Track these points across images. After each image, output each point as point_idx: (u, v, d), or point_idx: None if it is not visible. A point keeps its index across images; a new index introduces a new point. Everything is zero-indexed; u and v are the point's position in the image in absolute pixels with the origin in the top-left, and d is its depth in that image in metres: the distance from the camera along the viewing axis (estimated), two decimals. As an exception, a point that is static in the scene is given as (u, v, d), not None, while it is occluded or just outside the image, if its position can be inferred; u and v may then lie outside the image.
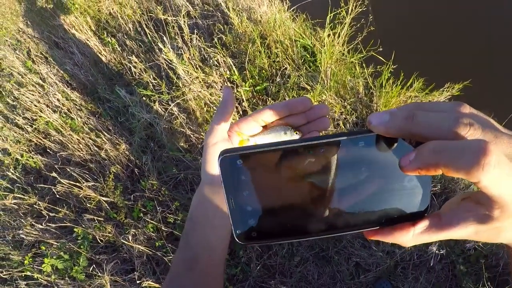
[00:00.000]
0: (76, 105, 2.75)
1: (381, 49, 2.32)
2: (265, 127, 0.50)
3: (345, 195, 0.34)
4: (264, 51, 2.22)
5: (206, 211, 0.53)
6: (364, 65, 2.34)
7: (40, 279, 2.03)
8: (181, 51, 2.24)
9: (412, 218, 0.33)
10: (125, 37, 2.80)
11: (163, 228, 2.10)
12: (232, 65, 2.13)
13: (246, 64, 2.16)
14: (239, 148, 0.34)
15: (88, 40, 2.90)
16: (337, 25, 2.27)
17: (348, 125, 2.12)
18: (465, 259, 1.88)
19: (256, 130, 0.50)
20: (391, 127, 0.29)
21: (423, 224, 0.31)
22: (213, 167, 0.51)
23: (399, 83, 2.18)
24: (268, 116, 0.48)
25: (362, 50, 2.33)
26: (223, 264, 0.55)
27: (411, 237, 0.32)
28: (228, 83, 2.18)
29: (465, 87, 2.18)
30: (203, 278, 0.53)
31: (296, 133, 0.49)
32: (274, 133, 0.49)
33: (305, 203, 0.34)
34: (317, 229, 0.34)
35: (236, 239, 0.35)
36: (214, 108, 2.20)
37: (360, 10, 2.25)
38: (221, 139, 0.50)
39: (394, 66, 2.22)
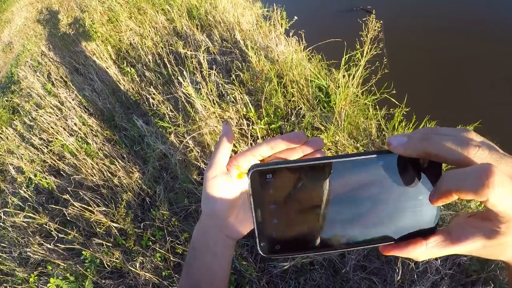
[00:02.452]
0: (93, 130, 2.81)
1: (394, 91, 2.35)
2: (262, 161, 0.52)
3: (364, 211, 0.36)
4: (280, 90, 2.28)
5: (207, 240, 0.54)
6: (377, 107, 2.37)
7: (44, 298, 2.03)
8: (199, 85, 2.31)
9: (423, 234, 0.36)
10: (145, 68, 2.89)
11: (171, 258, 2.10)
12: (249, 102, 2.18)
13: (262, 102, 2.21)
14: (269, 163, 0.37)
15: (108, 68, 3.00)
16: (352, 67, 2.32)
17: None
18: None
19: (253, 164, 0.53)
20: (408, 148, 0.33)
21: (435, 238, 0.34)
22: (213, 199, 0.53)
23: (411, 126, 2.21)
24: (265, 150, 0.50)
25: (376, 92, 2.36)
26: None
27: (424, 250, 0.35)
28: (244, 120, 2.23)
29: (476, 129, 2.20)
30: None
31: None
32: None
33: (327, 218, 0.37)
34: (337, 243, 0.37)
35: (259, 251, 0.37)
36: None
37: (375, 52, 2.30)
38: (220, 172, 0.52)
39: (407, 109, 2.25)
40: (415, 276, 1.84)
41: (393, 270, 2.00)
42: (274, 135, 2.29)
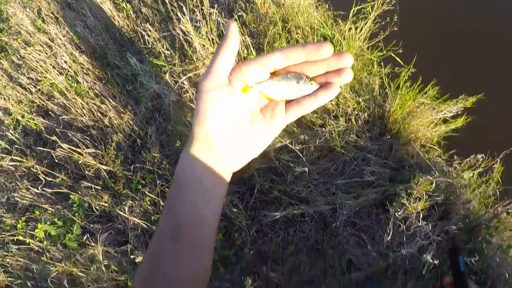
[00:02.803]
0: (84, 68, 2.69)
1: (400, 51, 2.28)
2: (274, 74, 0.43)
3: None
4: (284, 35, 2.17)
5: (195, 173, 0.43)
6: (382, 64, 2.30)
7: (32, 244, 1.97)
8: (199, 24, 2.18)
9: None
10: (141, 4, 2.74)
11: (161, 203, 2.05)
12: (250, 44, 2.07)
13: (264, 45, 2.11)
14: None
15: (102, 4, 2.83)
16: (360, 20, 2.22)
17: (359, 121, 2.08)
18: (455, 273, 1.85)
19: (263, 76, 0.43)
20: None
21: None
22: (209, 116, 0.42)
23: (416, 87, 2.14)
24: (278, 60, 0.41)
25: (383, 48, 2.28)
26: (213, 235, 0.46)
27: None
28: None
29: (479, 100, 2.15)
30: (189, 249, 0.44)
31: (312, 84, 0.42)
32: (284, 81, 0.42)
33: None
34: None
35: None
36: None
37: (387, 8, 2.20)
38: (220, 84, 0.42)
39: (413, 70, 2.18)
40: (404, 239, 1.82)
41: (382, 229, 1.99)
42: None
